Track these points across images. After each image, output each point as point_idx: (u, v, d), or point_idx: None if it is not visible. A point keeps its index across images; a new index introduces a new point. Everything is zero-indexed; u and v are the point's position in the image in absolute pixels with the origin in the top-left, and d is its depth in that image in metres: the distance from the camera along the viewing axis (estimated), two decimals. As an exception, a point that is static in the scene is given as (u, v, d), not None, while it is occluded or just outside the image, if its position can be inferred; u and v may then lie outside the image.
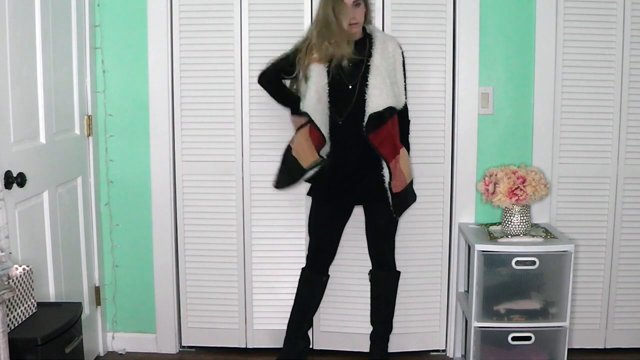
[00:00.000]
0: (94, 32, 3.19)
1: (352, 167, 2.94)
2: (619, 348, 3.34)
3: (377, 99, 2.84)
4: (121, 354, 3.40)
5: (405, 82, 2.98)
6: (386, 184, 2.92)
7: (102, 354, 3.37)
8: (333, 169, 2.94)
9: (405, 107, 3.00)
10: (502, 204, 2.95)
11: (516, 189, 2.91)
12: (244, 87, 3.21)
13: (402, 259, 3.27)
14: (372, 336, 3.20)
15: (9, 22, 2.43)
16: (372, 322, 3.19)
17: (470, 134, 3.22)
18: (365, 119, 2.85)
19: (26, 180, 2.51)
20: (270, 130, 3.23)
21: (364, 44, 2.91)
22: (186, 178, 3.31)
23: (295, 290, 3.21)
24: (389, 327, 3.18)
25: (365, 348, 3.31)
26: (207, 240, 3.34)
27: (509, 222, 2.98)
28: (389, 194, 2.93)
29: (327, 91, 2.88)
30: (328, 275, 3.15)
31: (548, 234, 3.01)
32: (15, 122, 2.48)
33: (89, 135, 3.21)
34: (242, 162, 3.27)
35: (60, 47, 2.87)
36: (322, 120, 2.89)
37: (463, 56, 3.17)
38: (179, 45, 3.21)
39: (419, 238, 3.29)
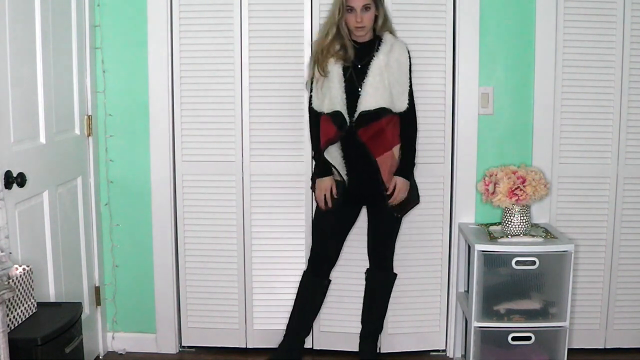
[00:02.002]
0: (94, 32, 3.19)
1: (357, 172, 2.95)
2: (619, 348, 3.34)
3: (370, 98, 2.84)
4: (121, 354, 3.40)
5: (411, 86, 2.96)
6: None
7: (102, 354, 3.37)
8: (343, 173, 2.96)
9: (410, 112, 2.97)
10: (502, 204, 2.95)
11: (516, 189, 2.91)
12: (244, 87, 3.21)
13: (402, 259, 3.27)
14: (362, 335, 3.20)
15: (9, 22, 2.42)
16: (363, 322, 3.20)
17: (470, 134, 3.22)
18: (355, 115, 2.85)
19: (26, 180, 2.51)
20: (270, 130, 3.23)
21: (372, 46, 2.91)
22: (186, 178, 3.31)
23: (295, 292, 3.22)
24: (379, 327, 3.20)
25: (365, 348, 3.32)
26: (207, 240, 3.33)
27: (509, 222, 2.98)
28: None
29: (345, 90, 2.88)
30: (330, 280, 3.17)
31: (548, 234, 3.01)
32: (15, 122, 2.48)
33: (89, 135, 3.21)
34: (242, 162, 3.27)
35: (60, 47, 2.87)
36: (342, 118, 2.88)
37: (463, 56, 3.17)
38: (179, 45, 3.21)
39: (419, 238, 3.29)
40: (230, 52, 3.20)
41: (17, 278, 2.23)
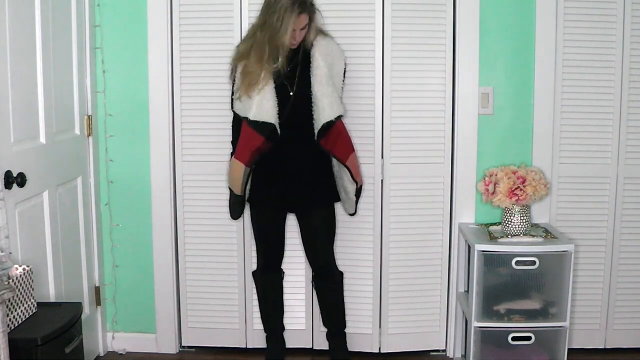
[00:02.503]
0: (94, 32, 3.19)
1: (290, 174, 2.93)
2: (619, 348, 3.34)
3: (329, 108, 2.82)
4: (121, 354, 3.40)
5: (341, 90, 2.97)
6: (327, 188, 2.96)
7: (102, 354, 3.37)
8: (270, 176, 2.94)
9: None
10: (502, 204, 2.95)
11: (516, 189, 2.91)
12: (244, 87, 3.20)
13: (403, 259, 3.27)
14: (329, 336, 3.22)
15: (9, 22, 2.43)
16: (326, 325, 3.22)
17: (470, 134, 3.22)
18: (318, 127, 2.83)
19: (26, 180, 2.51)
20: (270, 130, 3.23)
21: (297, 49, 2.86)
22: (186, 178, 3.31)
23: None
24: (343, 325, 3.21)
25: (366, 348, 3.32)
26: (207, 240, 3.33)
27: (509, 222, 2.98)
28: (345, 194, 2.97)
29: (276, 97, 2.83)
30: (284, 272, 3.21)
31: (548, 234, 3.01)
32: (15, 122, 2.48)
33: (89, 135, 3.21)
34: (242, 162, 3.27)
35: (60, 47, 2.87)
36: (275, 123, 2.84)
37: (463, 56, 3.17)
38: (179, 45, 3.21)
39: (419, 238, 3.29)
40: (230, 52, 3.19)
41: (17, 278, 2.23)
